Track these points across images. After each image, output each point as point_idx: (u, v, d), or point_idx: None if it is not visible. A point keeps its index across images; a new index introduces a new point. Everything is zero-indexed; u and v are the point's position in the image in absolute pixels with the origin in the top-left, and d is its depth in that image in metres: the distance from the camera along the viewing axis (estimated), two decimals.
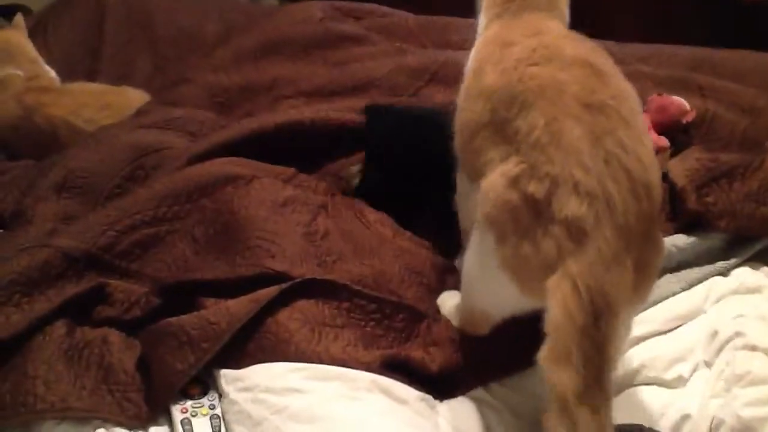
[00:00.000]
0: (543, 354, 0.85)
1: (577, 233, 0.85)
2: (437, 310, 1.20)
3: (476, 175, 0.99)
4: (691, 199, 1.28)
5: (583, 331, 0.83)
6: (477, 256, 1.00)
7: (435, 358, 1.11)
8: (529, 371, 1.08)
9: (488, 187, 0.93)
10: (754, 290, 1.24)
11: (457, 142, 1.12)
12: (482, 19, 1.19)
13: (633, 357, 1.16)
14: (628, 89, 0.97)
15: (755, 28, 2.96)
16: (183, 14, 2.20)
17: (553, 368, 0.84)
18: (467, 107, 1.07)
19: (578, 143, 0.88)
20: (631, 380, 1.15)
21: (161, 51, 2.11)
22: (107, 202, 1.36)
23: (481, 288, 1.04)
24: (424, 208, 1.41)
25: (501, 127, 0.95)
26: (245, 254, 1.19)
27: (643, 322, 1.17)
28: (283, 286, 1.11)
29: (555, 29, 1.09)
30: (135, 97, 1.77)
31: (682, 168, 1.33)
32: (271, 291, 1.10)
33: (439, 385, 1.11)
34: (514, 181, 0.90)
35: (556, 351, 0.84)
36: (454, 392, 1.11)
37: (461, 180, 1.18)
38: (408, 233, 1.36)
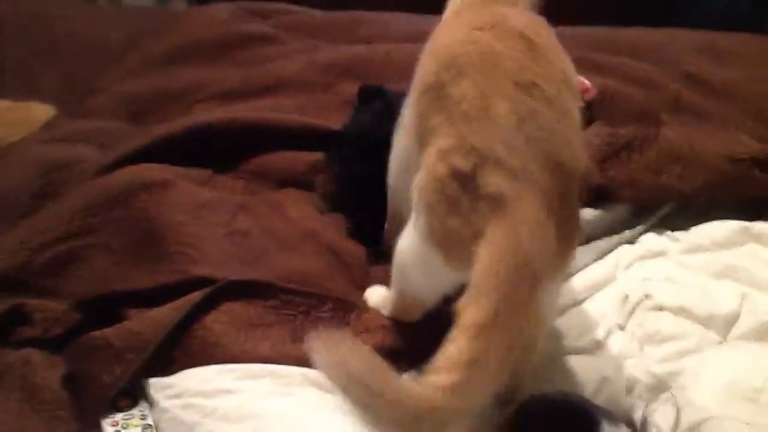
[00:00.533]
0: (460, 301, 0.84)
1: (501, 208, 0.87)
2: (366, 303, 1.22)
3: (423, 144, 0.98)
4: (595, 173, 1.34)
5: (506, 295, 0.83)
6: (410, 233, 1.00)
7: (366, 343, 1.13)
8: None
9: (425, 162, 0.95)
10: (660, 254, 1.31)
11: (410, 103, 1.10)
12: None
13: (552, 329, 1.21)
14: (560, 67, 0.98)
15: (651, 5, 3.10)
16: (84, 23, 2.14)
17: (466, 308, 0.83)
18: (421, 66, 1.06)
19: (503, 120, 0.89)
20: (552, 351, 1.19)
21: (66, 62, 2.04)
22: (19, 222, 1.33)
23: (413, 268, 1.03)
24: None
25: (439, 92, 0.96)
26: (166, 261, 1.18)
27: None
28: (207, 290, 1.11)
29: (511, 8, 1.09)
30: (41, 111, 1.72)
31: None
32: (194, 296, 1.10)
33: None
34: (444, 155, 0.91)
35: (473, 297, 0.84)
36: None
37: (409, 151, 1.10)
38: (336, 228, 1.36)
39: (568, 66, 1.00)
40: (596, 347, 1.19)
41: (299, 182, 1.45)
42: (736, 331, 1.16)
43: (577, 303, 1.26)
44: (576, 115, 0.97)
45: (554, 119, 0.92)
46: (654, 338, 1.15)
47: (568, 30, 2.03)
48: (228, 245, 1.23)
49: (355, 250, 1.32)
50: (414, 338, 1.15)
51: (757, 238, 1.29)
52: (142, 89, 1.75)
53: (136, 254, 1.21)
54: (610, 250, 1.32)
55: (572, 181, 0.93)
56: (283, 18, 2.08)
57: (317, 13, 2.12)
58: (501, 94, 0.91)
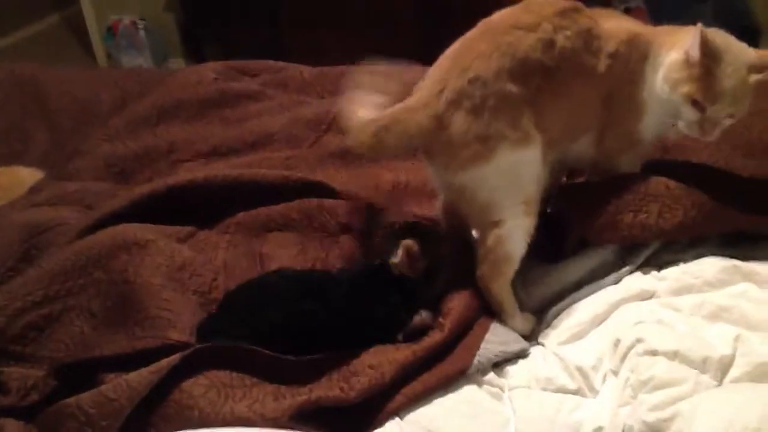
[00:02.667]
0: None
1: None
2: None
3: None
4: (573, 224, 1.33)
5: None
6: None
7: (354, 386, 1.10)
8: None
9: None
10: (649, 295, 1.28)
11: None
12: None
13: (546, 365, 1.20)
14: None
15: None
16: (76, 85, 2.17)
17: None
18: None
19: None
20: (545, 386, 1.18)
21: (57, 124, 2.07)
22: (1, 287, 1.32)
23: None
24: None
25: None
26: (144, 325, 1.16)
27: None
28: (185, 353, 1.09)
29: None
30: (26, 175, 1.73)
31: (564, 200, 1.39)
32: (171, 360, 1.08)
33: (356, 417, 1.10)
34: None
35: None
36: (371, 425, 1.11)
37: None
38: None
39: None
40: (592, 392, 1.17)
41: (286, 227, 1.45)
42: (731, 374, 1.12)
43: (566, 343, 1.24)
44: None
45: None
46: (648, 384, 1.11)
47: None
48: (204, 314, 1.21)
49: None
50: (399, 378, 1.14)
51: (748, 277, 1.26)
52: (127, 149, 1.76)
53: (115, 318, 1.20)
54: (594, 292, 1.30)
55: None
56: (272, 75, 2.10)
57: (305, 69, 2.14)
58: None
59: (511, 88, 1.18)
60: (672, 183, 1.28)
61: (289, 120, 1.83)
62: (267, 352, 1.12)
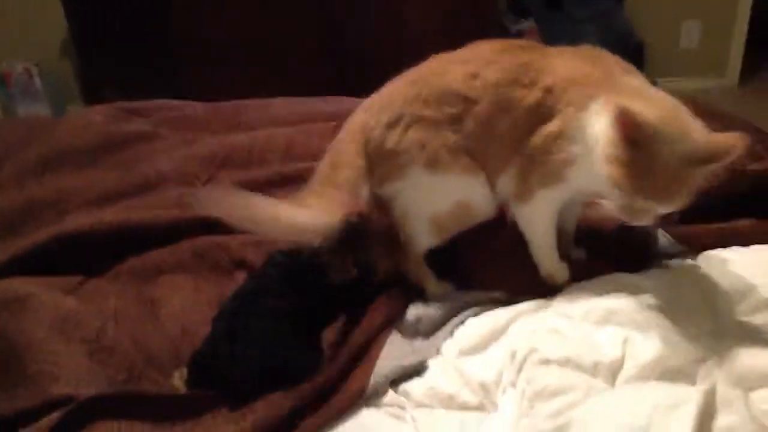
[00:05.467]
0: None
1: None
2: None
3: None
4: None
5: None
6: None
7: (249, 420, 1.07)
8: None
9: None
10: (544, 306, 1.31)
11: None
12: None
13: (447, 380, 1.20)
14: None
15: None
16: None
17: None
18: None
19: None
20: (448, 404, 1.18)
21: None
22: None
23: None
24: None
25: None
26: (26, 384, 1.11)
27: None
28: (64, 411, 1.04)
29: None
30: None
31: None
32: (51, 420, 1.02)
33: None
34: None
35: None
36: None
37: None
38: None
39: None
40: (493, 407, 1.18)
41: (178, 268, 1.42)
42: (622, 376, 1.15)
43: (466, 355, 1.25)
44: None
45: None
46: (542, 394, 1.12)
47: None
48: (92, 363, 1.16)
49: None
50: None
51: (631, 280, 1.31)
52: (12, 202, 1.68)
53: None
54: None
55: None
56: (164, 114, 2.07)
57: (199, 106, 2.12)
58: None
59: (425, 112, 1.21)
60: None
61: (182, 159, 1.80)
62: (153, 392, 1.08)
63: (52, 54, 3.85)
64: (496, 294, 1.32)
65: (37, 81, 3.77)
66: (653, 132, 1.02)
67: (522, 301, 1.30)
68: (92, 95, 3.73)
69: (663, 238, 1.39)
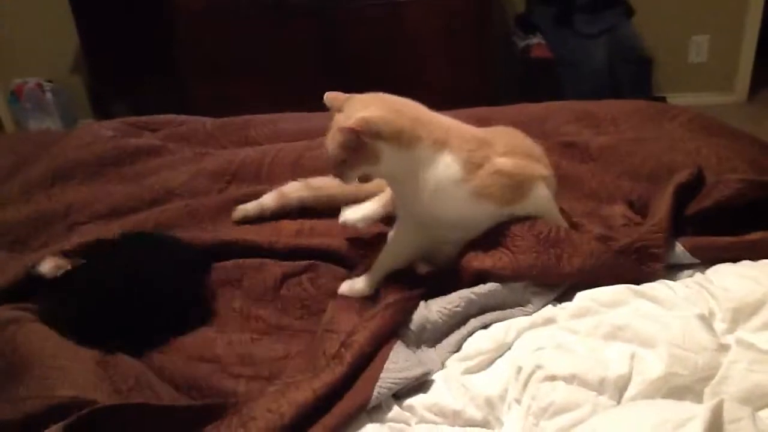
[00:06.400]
0: None
1: None
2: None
3: None
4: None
5: None
6: None
7: (250, 427, 1.07)
8: None
9: None
10: (549, 321, 1.30)
11: None
12: None
13: (451, 396, 1.18)
14: None
15: (541, 79, 3.27)
16: None
17: None
18: None
19: None
20: (453, 421, 1.16)
21: None
22: None
23: None
24: None
25: None
26: (31, 385, 1.11)
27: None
28: (71, 419, 1.04)
29: None
30: None
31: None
32: (54, 429, 1.02)
33: None
34: None
35: None
36: None
37: None
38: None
39: None
40: (497, 423, 1.16)
41: None
42: (629, 392, 1.14)
43: (471, 372, 1.24)
44: None
45: None
46: (548, 411, 1.12)
47: (453, 113, 2.10)
48: (100, 369, 1.16)
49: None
50: None
51: (641, 294, 1.30)
52: (20, 215, 1.70)
53: (2, 382, 1.14)
54: (500, 320, 1.31)
55: None
56: (172, 129, 2.08)
57: (207, 121, 2.12)
58: None
59: None
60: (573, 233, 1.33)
61: (191, 173, 1.81)
62: (160, 403, 1.08)
63: (63, 70, 3.91)
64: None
65: (49, 96, 3.82)
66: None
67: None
68: (102, 110, 3.78)
69: (678, 248, 1.38)
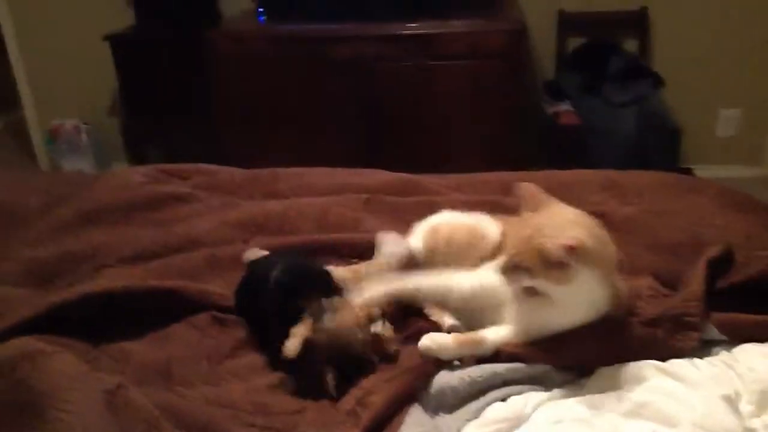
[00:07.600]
0: None
1: None
2: None
3: None
4: None
5: None
6: None
7: None
8: None
9: None
10: (573, 393, 1.28)
11: None
12: None
13: None
14: None
15: (569, 146, 3.29)
16: (5, 189, 2.15)
17: None
18: None
19: None
20: None
21: None
22: None
23: None
24: None
25: None
26: (41, 430, 1.10)
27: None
28: None
29: None
30: None
31: None
32: None
33: None
34: None
35: None
36: None
37: None
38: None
39: None
40: None
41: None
42: None
43: None
44: None
45: None
46: None
47: (479, 177, 2.12)
48: (110, 413, 1.16)
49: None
50: None
51: (665, 371, 1.27)
52: (49, 254, 1.72)
53: (15, 426, 1.14)
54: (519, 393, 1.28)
55: None
56: (202, 177, 2.12)
57: (236, 171, 2.16)
58: None
59: None
60: None
61: (218, 222, 1.82)
62: None
63: (100, 112, 4.01)
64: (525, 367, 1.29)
65: (84, 138, 3.91)
66: None
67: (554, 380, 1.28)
68: (136, 153, 3.86)
69: (709, 325, 1.36)
